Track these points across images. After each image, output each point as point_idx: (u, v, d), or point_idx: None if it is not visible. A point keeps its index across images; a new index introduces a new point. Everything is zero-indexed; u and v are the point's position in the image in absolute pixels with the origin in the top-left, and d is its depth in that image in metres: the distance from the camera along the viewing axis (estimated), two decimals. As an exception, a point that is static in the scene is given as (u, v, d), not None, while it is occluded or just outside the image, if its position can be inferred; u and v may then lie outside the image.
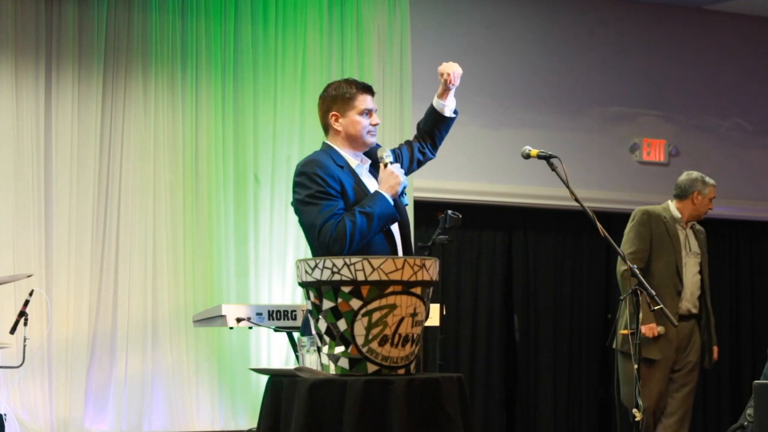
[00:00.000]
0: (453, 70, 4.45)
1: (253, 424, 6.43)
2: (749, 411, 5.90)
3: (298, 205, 4.17)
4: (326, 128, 4.32)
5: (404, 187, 4.25)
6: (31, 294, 5.91)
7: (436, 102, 4.54)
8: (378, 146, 4.34)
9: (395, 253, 4.20)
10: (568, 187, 4.42)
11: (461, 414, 3.67)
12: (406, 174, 4.42)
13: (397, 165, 4.29)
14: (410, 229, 4.35)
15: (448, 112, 4.54)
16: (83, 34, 6.90)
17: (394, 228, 4.24)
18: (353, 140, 4.27)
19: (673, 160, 8.80)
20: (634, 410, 4.46)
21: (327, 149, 4.27)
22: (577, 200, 4.45)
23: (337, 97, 4.28)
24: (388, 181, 4.19)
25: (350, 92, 4.27)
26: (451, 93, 4.51)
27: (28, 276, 5.95)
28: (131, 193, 6.94)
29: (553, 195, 7.81)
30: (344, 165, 4.22)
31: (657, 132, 8.78)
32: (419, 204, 7.67)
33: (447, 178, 7.96)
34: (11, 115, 6.72)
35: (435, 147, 4.60)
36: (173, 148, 7.04)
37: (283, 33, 7.36)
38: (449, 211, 5.13)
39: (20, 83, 6.76)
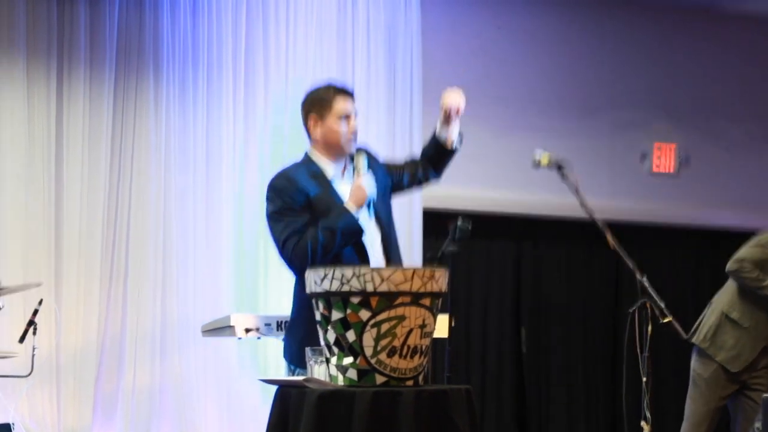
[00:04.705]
0: (456, 102, 4.33)
1: (262, 435, 6.41)
2: (758, 425, 5.87)
3: (267, 220, 4.21)
4: (308, 134, 4.34)
5: (371, 200, 4.19)
6: (40, 303, 5.91)
7: (439, 131, 4.44)
8: (358, 149, 4.30)
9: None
10: (580, 199, 4.39)
11: (469, 426, 3.67)
12: (405, 189, 4.45)
13: (368, 176, 4.23)
14: (394, 239, 4.29)
15: (449, 145, 4.45)
16: (95, 36, 6.89)
17: (373, 240, 4.21)
18: (331, 148, 4.27)
19: (683, 168, 8.77)
20: (642, 422, 4.44)
21: (306, 160, 4.29)
22: (588, 212, 4.43)
23: (315, 101, 4.31)
24: (355, 194, 4.17)
25: (328, 95, 4.28)
26: (455, 121, 4.40)
27: (38, 285, 5.95)
28: (141, 200, 6.92)
29: (563, 205, 7.76)
30: (319, 175, 4.22)
31: (668, 137, 8.74)
32: (428, 214, 7.65)
33: (456, 186, 7.91)
34: (23, 118, 6.70)
35: (438, 173, 4.56)
36: (184, 151, 7.02)
37: (294, 34, 7.36)
38: (459, 221, 5.10)
39: (32, 85, 6.74)
